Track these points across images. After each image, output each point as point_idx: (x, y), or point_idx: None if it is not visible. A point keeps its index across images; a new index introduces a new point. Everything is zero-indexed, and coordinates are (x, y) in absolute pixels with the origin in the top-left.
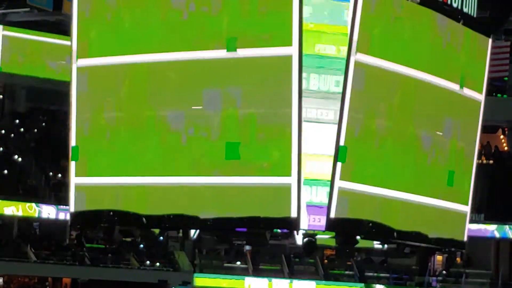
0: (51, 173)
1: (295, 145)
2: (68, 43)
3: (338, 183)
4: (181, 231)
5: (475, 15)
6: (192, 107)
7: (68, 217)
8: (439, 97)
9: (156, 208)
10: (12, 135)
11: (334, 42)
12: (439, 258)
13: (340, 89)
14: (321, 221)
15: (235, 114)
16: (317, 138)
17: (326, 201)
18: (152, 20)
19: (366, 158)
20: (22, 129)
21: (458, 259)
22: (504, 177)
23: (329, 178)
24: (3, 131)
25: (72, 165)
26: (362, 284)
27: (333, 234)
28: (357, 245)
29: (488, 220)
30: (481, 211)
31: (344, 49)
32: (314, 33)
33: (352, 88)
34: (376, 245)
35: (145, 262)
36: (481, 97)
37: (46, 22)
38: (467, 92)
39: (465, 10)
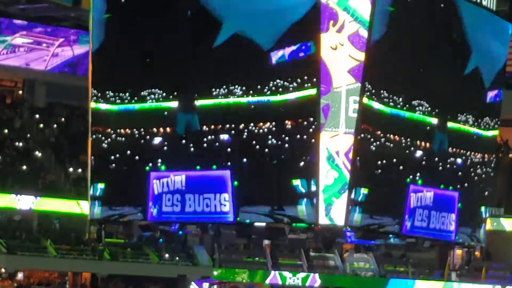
0: (70, 168)
1: None
2: None
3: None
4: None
5: (494, 8)
6: None
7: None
8: None
9: None
10: (32, 130)
11: None
12: (458, 252)
13: None
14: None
15: None
16: None
17: None
18: None
19: None
20: (41, 125)
21: (478, 253)
22: None
23: None
24: (23, 127)
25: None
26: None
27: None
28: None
29: (508, 214)
30: (501, 205)
31: None
32: None
33: None
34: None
35: (164, 257)
36: None
37: (65, 18)
38: None
39: (484, 3)
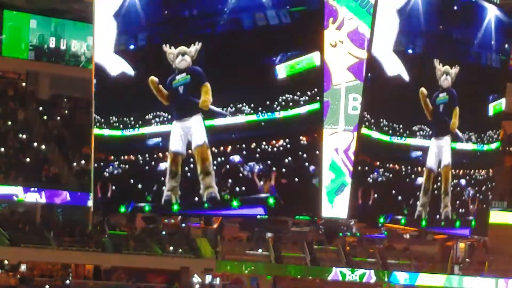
0: (74, 161)
1: None
2: None
3: None
4: (203, 218)
5: (498, 1)
6: None
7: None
8: None
9: None
10: (35, 122)
11: None
12: (461, 245)
13: None
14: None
15: None
16: None
17: None
18: None
19: None
20: (45, 117)
21: (481, 246)
22: None
23: None
24: (26, 119)
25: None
26: (385, 271)
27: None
28: None
29: (510, 207)
30: (504, 199)
31: None
32: None
33: None
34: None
35: (168, 249)
36: None
37: (69, 10)
38: None
39: None
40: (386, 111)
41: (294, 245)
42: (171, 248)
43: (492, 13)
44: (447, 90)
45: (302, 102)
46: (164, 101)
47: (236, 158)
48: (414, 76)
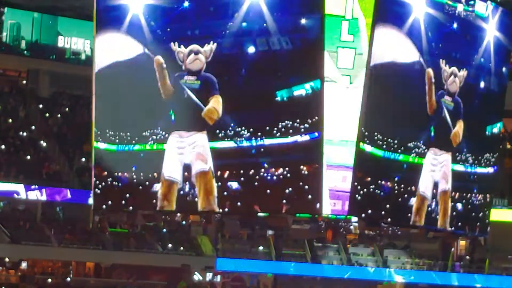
0: (74, 158)
1: None
2: None
3: None
4: (204, 215)
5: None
6: None
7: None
8: None
9: None
10: (36, 120)
11: None
12: (462, 243)
13: None
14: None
15: None
16: None
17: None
18: None
19: None
20: (46, 114)
21: (482, 244)
22: None
23: None
24: (27, 117)
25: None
26: (385, 269)
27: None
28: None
29: (511, 205)
30: (504, 196)
31: None
32: None
33: None
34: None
35: (168, 247)
36: None
37: (70, 7)
38: None
39: None
40: (382, 125)
41: (294, 242)
42: (172, 245)
43: (491, 35)
44: (453, 96)
45: (302, 130)
46: (164, 93)
47: (234, 184)
48: (414, 87)
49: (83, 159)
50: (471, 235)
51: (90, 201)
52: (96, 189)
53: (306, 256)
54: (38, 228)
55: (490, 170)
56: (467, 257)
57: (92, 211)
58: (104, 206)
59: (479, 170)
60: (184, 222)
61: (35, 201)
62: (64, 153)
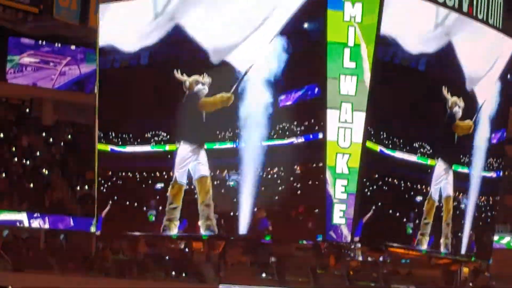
0: (77, 186)
1: None
2: None
3: None
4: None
5: (500, 27)
6: None
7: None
8: None
9: None
10: (39, 148)
11: None
12: (465, 270)
13: None
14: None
15: None
16: None
17: None
18: None
19: None
20: (50, 140)
21: (485, 272)
22: None
23: None
24: (30, 145)
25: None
26: None
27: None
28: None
29: None
30: (507, 222)
31: None
32: None
33: None
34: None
35: (171, 274)
36: None
37: (73, 36)
38: None
39: (490, 21)
40: (389, 125)
41: (298, 269)
42: (174, 273)
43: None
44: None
45: (299, 132)
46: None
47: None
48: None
49: (86, 187)
50: (474, 261)
51: (92, 229)
52: (101, 187)
53: (309, 283)
54: (41, 256)
55: (493, 174)
56: (470, 283)
57: (94, 239)
58: (108, 207)
59: (483, 174)
60: (187, 249)
61: (38, 229)
62: (67, 181)
